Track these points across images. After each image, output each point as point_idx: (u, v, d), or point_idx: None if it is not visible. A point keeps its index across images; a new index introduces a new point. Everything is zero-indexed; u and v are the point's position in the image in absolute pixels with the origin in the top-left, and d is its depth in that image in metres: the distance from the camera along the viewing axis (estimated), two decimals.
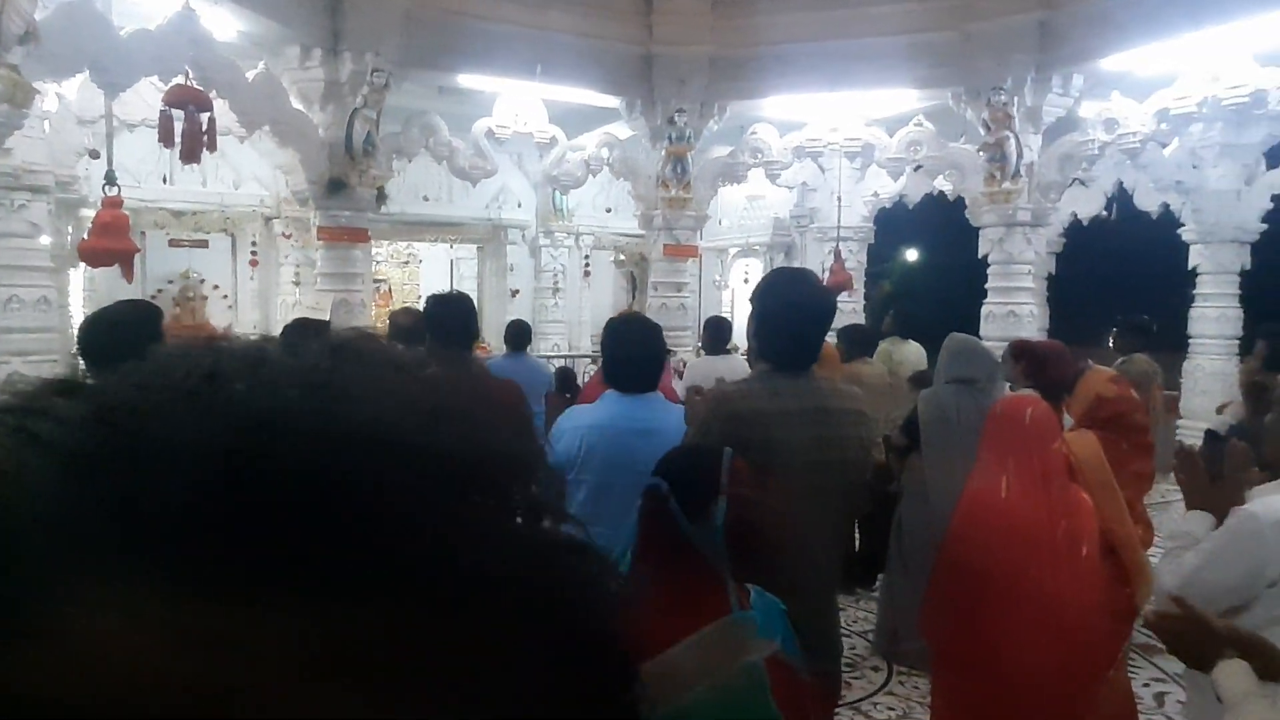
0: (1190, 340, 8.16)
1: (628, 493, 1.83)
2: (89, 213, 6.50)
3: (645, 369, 2.43)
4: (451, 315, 2.82)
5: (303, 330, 3.18)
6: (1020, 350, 3.98)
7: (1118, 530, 2.64)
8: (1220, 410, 4.29)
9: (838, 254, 7.81)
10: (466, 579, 0.24)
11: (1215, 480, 1.97)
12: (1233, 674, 1.35)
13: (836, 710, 3.60)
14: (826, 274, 7.97)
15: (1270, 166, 7.49)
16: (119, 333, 2.08)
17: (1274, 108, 5.45)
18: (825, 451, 2.06)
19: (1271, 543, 1.69)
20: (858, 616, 4.73)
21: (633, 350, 2.44)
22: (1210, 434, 3.41)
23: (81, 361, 2.12)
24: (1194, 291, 8.10)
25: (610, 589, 0.30)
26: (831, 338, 5.31)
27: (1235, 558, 1.74)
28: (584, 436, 2.38)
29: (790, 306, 2.11)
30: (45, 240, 5.71)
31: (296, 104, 5.87)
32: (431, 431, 0.26)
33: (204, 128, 4.79)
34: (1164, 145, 6.83)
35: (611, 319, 2.69)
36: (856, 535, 4.92)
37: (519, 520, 0.28)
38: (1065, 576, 2.42)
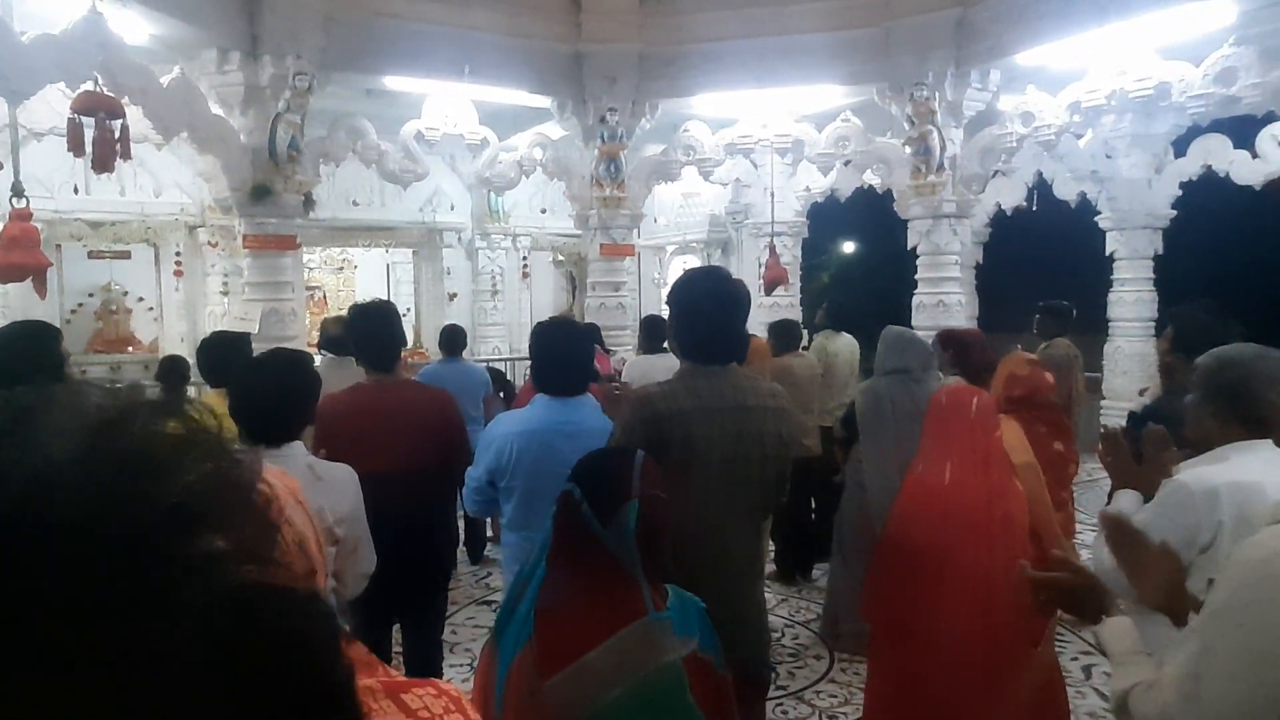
0: (1110, 323, 8.49)
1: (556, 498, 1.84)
2: None
3: (572, 373, 2.44)
4: (373, 329, 2.78)
5: (220, 345, 3.10)
6: (947, 339, 4.11)
7: (1037, 511, 2.75)
8: (1142, 393, 4.47)
9: (772, 249, 7.91)
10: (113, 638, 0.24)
11: (1139, 460, 2.05)
12: (1117, 632, 1.42)
13: (778, 700, 3.67)
14: (763, 269, 8.08)
15: (1177, 155, 7.83)
16: (12, 357, 1.99)
17: (1177, 99, 5.69)
18: (744, 447, 2.10)
19: (1202, 509, 1.77)
20: (800, 607, 4.81)
21: (560, 354, 2.44)
22: (1132, 415, 3.56)
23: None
24: (1112, 276, 8.43)
25: (319, 629, 0.30)
26: (763, 332, 5.41)
27: (1167, 526, 1.79)
28: (514, 443, 2.38)
29: (704, 303, 2.14)
30: None
31: (216, 109, 5.69)
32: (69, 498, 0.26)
33: (116, 135, 4.61)
34: (1079, 137, 7.08)
35: (539, 323, 2.68)
36: (791, 526, 5.02)
37: (194, 574, 0.28)
38: (999, 557, 2.51)
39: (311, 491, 1.68)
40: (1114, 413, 7.95)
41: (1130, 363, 8.15)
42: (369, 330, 2.78)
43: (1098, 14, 5.44)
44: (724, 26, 6.99)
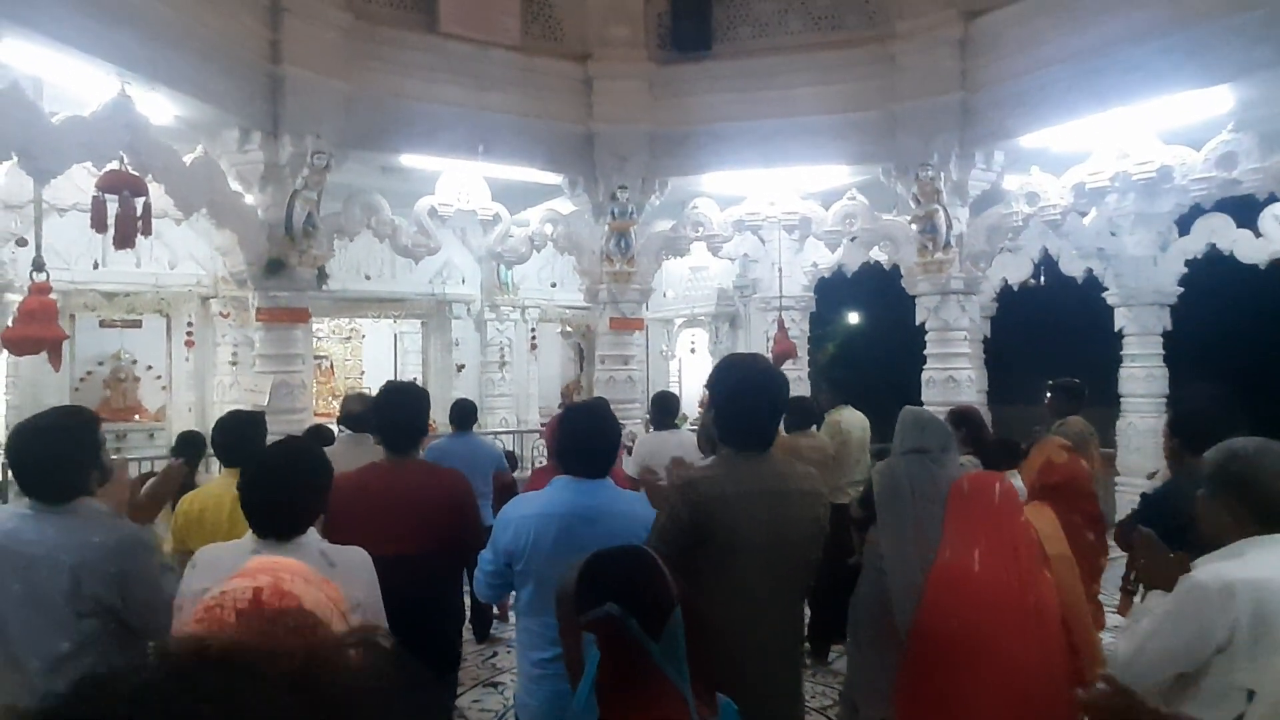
0: (1121, 399, 8.45)
1: (570, 567, 1.79)
2: (14, 298, 6.29)
3: (600, 457, 2.42)
4: (399, 411, 2.78)
5: (236, 424, 3.09)
6: (960, 418, 4.09)
7: (1070, 603, 2.68)
8: (1151, 475, 4.41)
9: (780, 324, 7.96)
10: None
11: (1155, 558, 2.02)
12: None
13: None
14: (770, 343, 8.11)
15: (1182, 234, 7.92)
16: (52, 444, 1.99)
17: (1180, 182, 5.78)
18: (784, 531, 2.13)
19: (1217, 608, 1.72)
20: (816, 692, 4.67)
21: (591, 438, 2.43)
22: (1144, 497, 3.51)
23: (11, 474, 2.03)
24: (1121, 352, 8.43)
25: None
26: None
27: (1182, 624, 1.77)
28: (532, 526, 2.34)
29: (746, 391, 2.20)
30: None
31: (235, 185, 5.82)
32: None
33: (138, 213, 4.70)
34: (1083, 215, 7.18)
35: (571, 405, 2.72)
36: (807, 610, 4.90)
37: None
38: (1033, 646, 2.46)
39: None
40: (1128, 489, 7.86)
41: (1143, 439, 8.08)
42: (395, 411, 2.77)
43: (1098, 100, 5.57)
44: (732, 108, 7.17)
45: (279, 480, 1.92)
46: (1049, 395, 5.35)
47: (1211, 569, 1.81)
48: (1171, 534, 2.17)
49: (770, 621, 2.13)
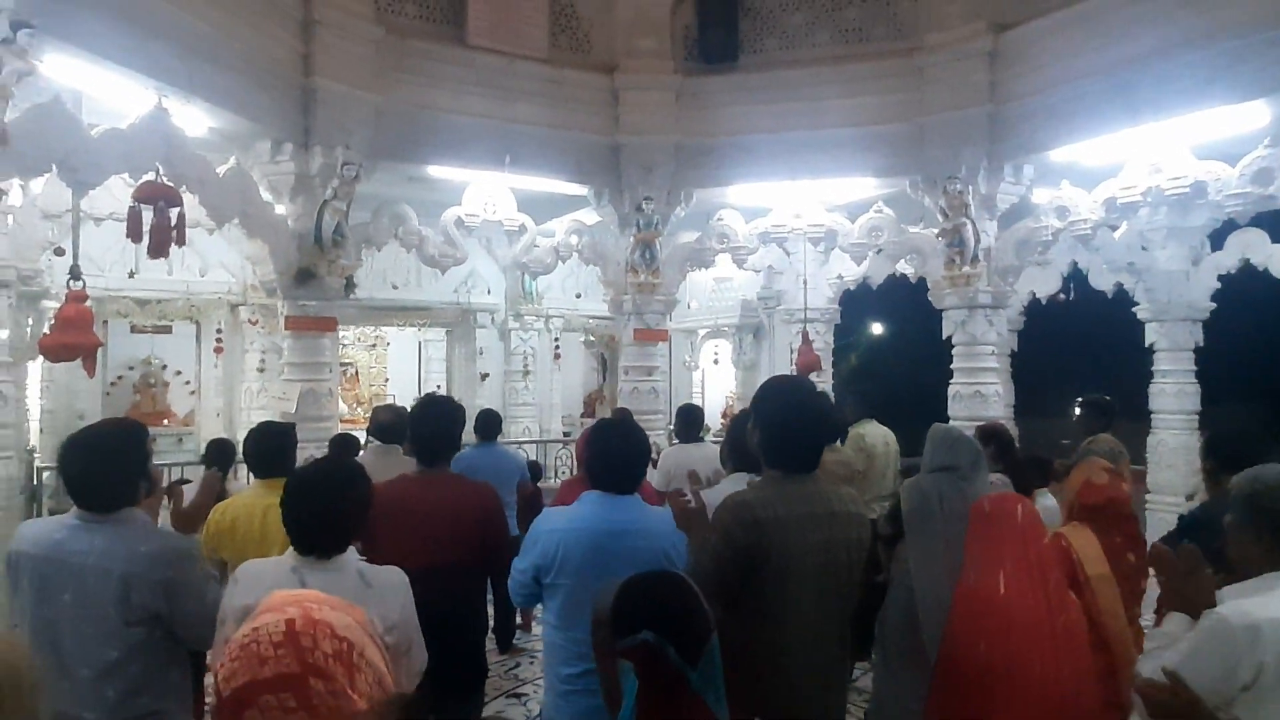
0: (1152, 415, 8.32)
1: (604, 590, 1.79)
2: (51, 304, 6.40)
3: (630, 473, 2.43)
4: (435, 424, 2.80)
5: (268, 435, 3.12)
6: (988, 434, 4.04)
7: (1111, 624, 2.64)
8: (1190, 497, 4.34)
9: (805, 336, 7.92)
10: None
11: (1188, 576, 1.98)
12: None
13: None
14: (795, 355, 8.08)
15: (1215, 249, 7.80)
16: (104, 456, 2.04)
17: (1213, 197, 5.70)
18: (834, 553, 2.18)
19: (1243, 646, 1.70)
20: None
21: (621, 454, 2.44)
22: (1182, 519, 3.46)
23: (61, 482, 2.09)
24: (1152, 368, 8.30)
25: None
26: None
27: (1208, 661, 1.74)
28: (560, 540, 2.34)
29: (794, 416, 2.24)
30: (3, 334, 5.60)
31: (266, 196, 5.90)
32: None
33: (173, 223, 4.78)
34: (1113, 229, 7.09)
35: (601, 421, 2.74)
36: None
37: None
38: (1064, 670, 2.42)
39: (361, 599, 1.65)
40: (1160, 509, 7.72)
41: (1174, 456, 7.95)
42: (431, 424, 2.79)
43: (1130, 114, 5.51)
44: (758, 120, 7.17)
45: (323, 499, 1.94)
46: (1079, 412, 5.29)
47: (1238, 606, 1.78)
48: (1208, 557, 2.14)
49: (820, 644, 2.15)
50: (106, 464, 2.03)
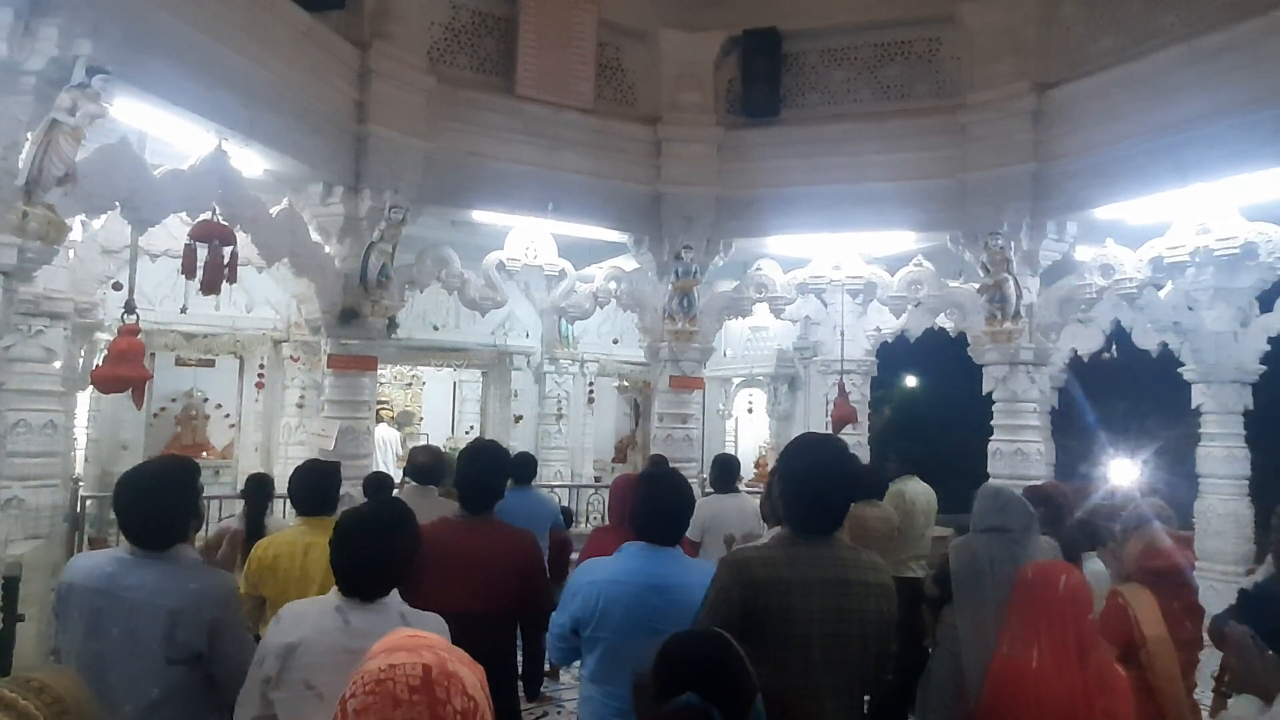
0: (1199, 479, 8.08)
1: (645, 652, 1.76)
2: (104, 336, 6.58)
3: (676, 526, 2.41)
4: (481, 472, 2.81)
5: (312, 474, 3.15)
6: (1037, 496, 3.94)
7: (1167, 689, 2.54)
8: (1251, 572, 4.18)
9: (841, 388, 7.86)
10: None
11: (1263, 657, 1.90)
12: None
13: None
14: (830, 406, 8.01)
15: (1264, 309, 7.64)
16: (158, 493, 2.07)
17: (1264, 259, 5.60)
18: (845, 624, 2.01)
19: None
20: None
21: (669, 507, 2.42)
22: (1244, 594, 3.32)
23: (109, 513, 2.14)
24: (1199, 430, 8.09)
25: None
26: None
27: None
28: (601, 592, 2.32)
29: (814, 472, 2.11)
30: (57, 364, 5.75)
31: (315, 237, 6.04)
32: None
33: (226, 260, 4.91)
34: (1159, 288, 6.99)
35: (649, 471, 2.71)
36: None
37: None
38: None
39: None
40: (1209, 577, 7.45)
41: (1224, 523, 7.69)
42: (478, 470, 2.79)
43: (1178, 174, 5.47)
44: (799, 174, 7.23)
45: (374, 541, 1.94)
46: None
47: None
48: (1273, 635, 2.06)
49: (824, 713, 2.01)
50: (160, 502, 2.06)
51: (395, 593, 2.00)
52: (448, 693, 1.31)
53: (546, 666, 5.46)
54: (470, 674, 1.41)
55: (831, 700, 2.03)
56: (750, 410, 11.64)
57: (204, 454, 10.48)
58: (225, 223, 4.96)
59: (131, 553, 2.04)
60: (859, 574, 2.09)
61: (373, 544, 1.94)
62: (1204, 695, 4.88)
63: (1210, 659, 3.11)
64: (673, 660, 1.43)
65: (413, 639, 1.48)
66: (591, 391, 11.29)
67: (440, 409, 13.30)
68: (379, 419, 10.39)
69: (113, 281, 5.81)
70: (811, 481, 2.10)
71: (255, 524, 4.02)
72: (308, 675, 1.81)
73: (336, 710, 1.33)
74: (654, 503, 2.43)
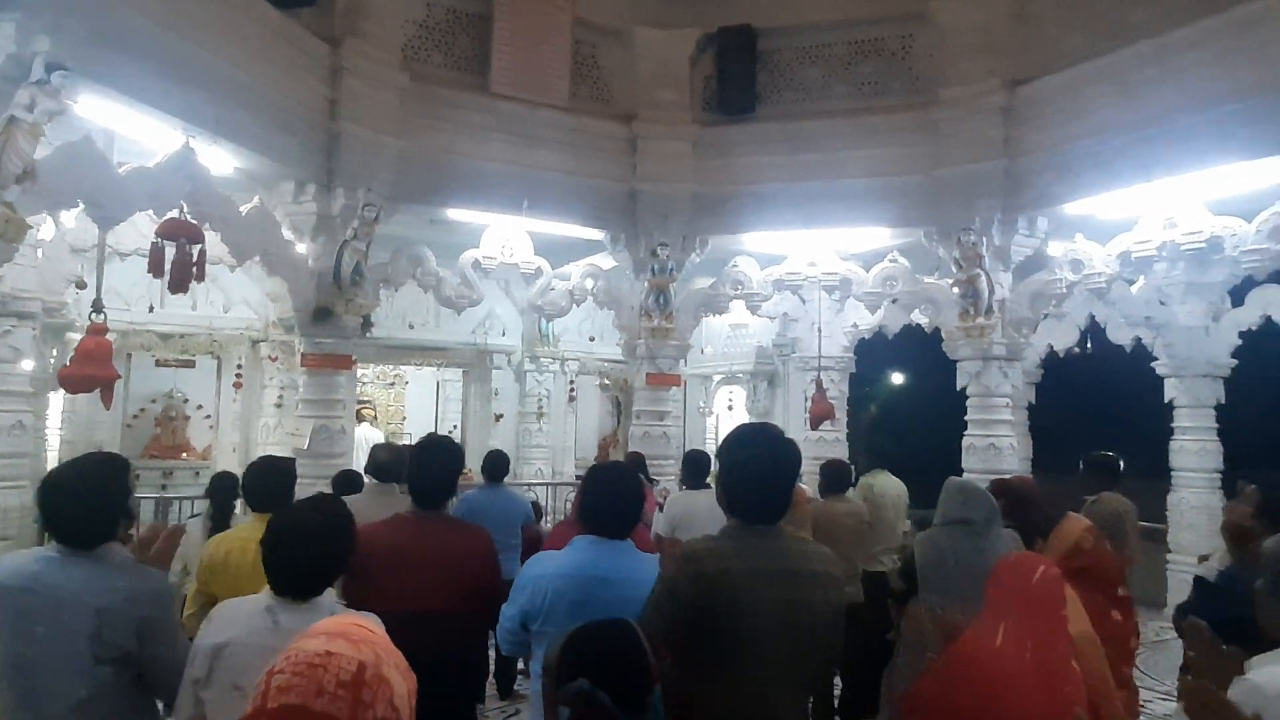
0: (1172, 473, 8.17)
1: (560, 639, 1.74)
2: (75, 336, 6.53)
3: (624, 518, 2.41)
4: (431, 467, 2.79)
5: (265, 472, 3.13)
6: (1000, 489, 3.96)
7: (1094, 686, 2.55)
8: (1204, 559, 4.19)
9: (819, 384, 7.89)
10: None
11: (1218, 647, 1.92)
12: None
13: None
14: (809, 403, 8.04)
15: (1235, 304, 7.72)
16: (84, 491, 2.04)
17: (1230, 253, 5.66)
18: (795, 615, 1.99)
19: (1275, 715, 1.64)
20: None
21: (615, 498, 2.42)
22: (1199, 582, 3.36)
23: (43, 517, 2.10)
24: (1172, 424, 8.17)
25: None
26: (814, 470, 5.32)
27: None
28: (549, 586, 2.32)
29: (755, 463, 2.10)
30: (26, 365, 5.71)
31: (287, 235, 6.01)
32: None
33: (194, 259, 4.89)
34: (1130, 283, 7.05)
35: (597, 464, 2.69)
36: (838, 682, 4.76)
37: None
38: None
39: None
40: (1180, 569, 7.54)
41: (1196, 515, 7.78)
42: (429, 467, 2.78)
43: (1143, 170, 5.52)
44: (774, 170, 7.25)
45: (302, 542, 1.91)
46: (1081, 470, 5.11)
47: (1271, 673, 1.72)
48: (1231, 625, 2.07)
49: (774, 707, 1.99)
50: (87, 500, 2.02)
51: (329, 591, 1.99)
52: (374, 697, 1.29)
53: (520, 665, 5.48)
54: (402, 684, 1.39)
55: (779, 695, 2.02)
56: (730, 407, 11.65)
57: (184, 455, 10.42)
58: (193, 221, 4.94)
59: (59, 551, 2.00)
60: (808, 563, 2.08)
61: (304, 543, 1.92)
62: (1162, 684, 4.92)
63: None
64: (577, 646, 1.46)
65: (359, 629, 1.45)
66: (573, 390, 11.29)
67: (424, 408, 13.25)
68: (360, 418, 10.37)
69: (77, 280, 5.77)
70: (752, 470, 2.10)
71: (221, 524, 4.00)
72: (235, 676, 1.78)
73: (261, 680, 1.30)
74: (598, 495, 2.43)
